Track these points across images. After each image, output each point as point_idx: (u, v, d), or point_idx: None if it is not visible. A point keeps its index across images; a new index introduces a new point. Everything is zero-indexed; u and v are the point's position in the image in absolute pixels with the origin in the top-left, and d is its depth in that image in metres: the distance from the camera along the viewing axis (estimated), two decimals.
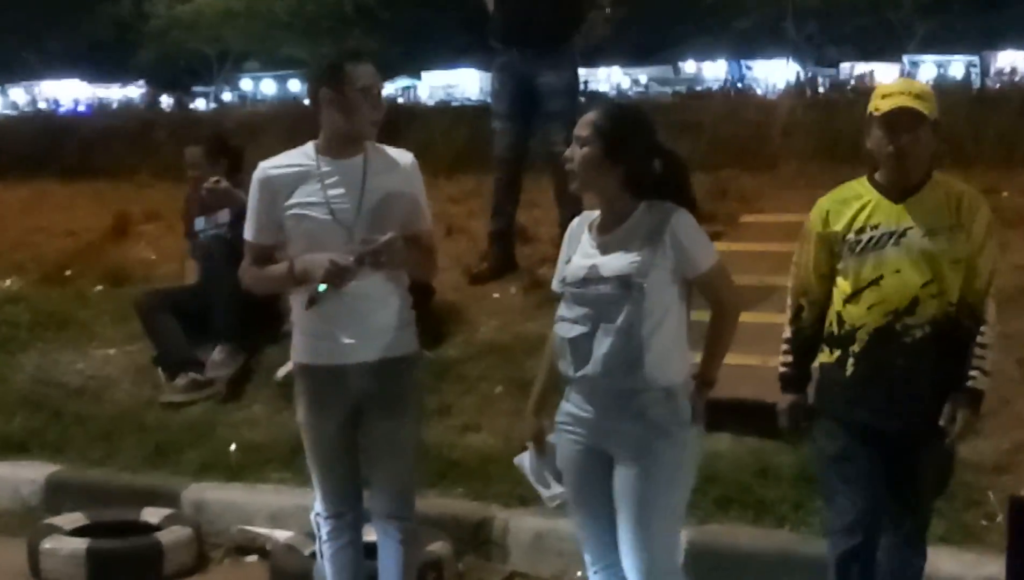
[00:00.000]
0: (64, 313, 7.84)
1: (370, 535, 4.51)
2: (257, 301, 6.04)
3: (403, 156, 4.39)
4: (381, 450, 4.35)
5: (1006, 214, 7.15)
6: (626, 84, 29.59)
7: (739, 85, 17.61)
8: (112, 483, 6.28)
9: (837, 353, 4.14)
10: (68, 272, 8.46)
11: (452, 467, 5.94)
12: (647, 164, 3.90)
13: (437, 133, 10.64)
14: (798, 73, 18.74)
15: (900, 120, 3.99)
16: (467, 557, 5.54)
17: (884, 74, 23.96)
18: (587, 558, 4.13)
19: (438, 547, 5.30)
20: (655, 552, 3.90)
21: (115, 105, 22.82)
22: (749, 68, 33.45)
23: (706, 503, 5.35)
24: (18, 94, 38.11)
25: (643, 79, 31.88)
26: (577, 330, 3.90)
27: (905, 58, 29.23)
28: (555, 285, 4.07)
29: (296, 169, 4.26)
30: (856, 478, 4.11)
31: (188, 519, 5.89)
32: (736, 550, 5.19)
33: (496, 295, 7.41)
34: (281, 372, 6.47)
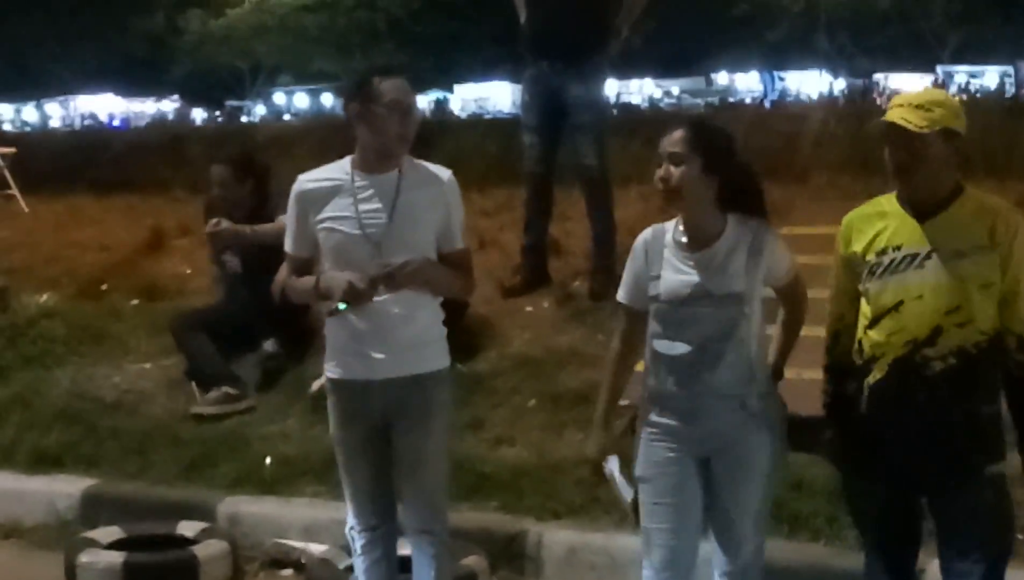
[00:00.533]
0: (99, 327, 7.88)
1: (404, 549, 4.51)
2: (290, 314, 6.08)
3: (440, 172, 4.38)
4: (412, 465, 4.36)
5: None
6: (658, 95, 29.60)
7: (771, 96, 17.60)
8: (148, 497, 6.31)
9: (854, 386, 3.91)
10: (104, 286, 8.51)
11: (485, 481, 5.93)
12: (738, 178, 3.95)
13: (469, 146, 10.67)
14: (830, 84, 18.70)
15: (891, 134, 3.77)
16: (501, 571, 5.53)
17: (916, 84, 23.88)
18: (656, 565, 4.06)
19: (472, 561, 5.29)
20: (753, 552, 4.06)
21: (149, 119, 22.99)
22: (782, 79, 33.44)
23: None
24: (53, 108, 38.46)
25: (675, 91, 31.84)
26: (681, 348, 3.93)
27: (939, 68, 29.11)
28: (624, 297, 4.10)
29: (330, 183, 4.28)
30: (893, 539, 4.01)
31: (223, 532, 5.90)
32: (771, 564, 5.15)
33: (529, 309, 7.41)
34: (315, 386, 6.49)
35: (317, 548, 5.62)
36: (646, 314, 4.04)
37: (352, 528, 4.46)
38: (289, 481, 6.24)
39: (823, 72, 29.01)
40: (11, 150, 12.15)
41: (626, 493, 4.19)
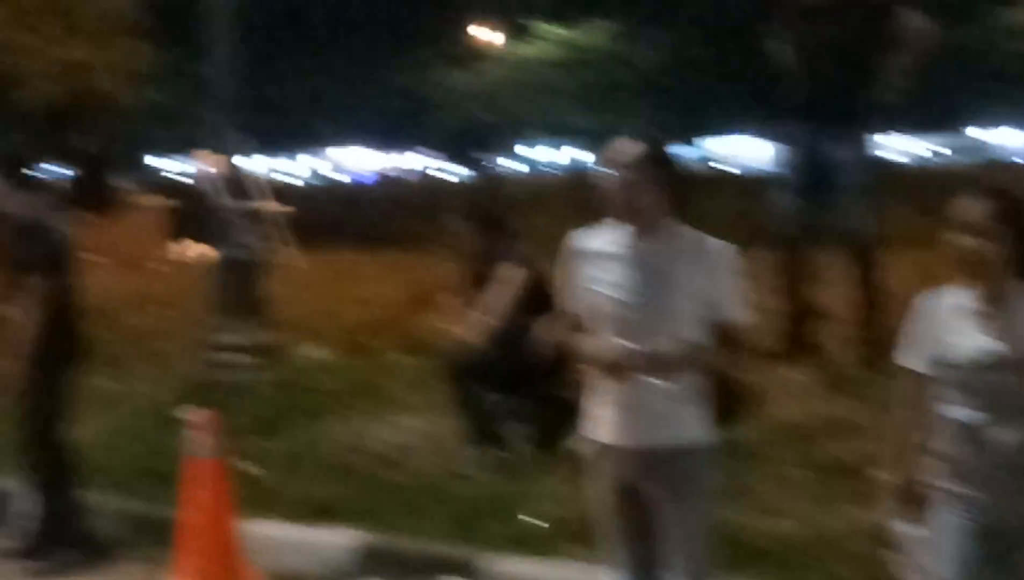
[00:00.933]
0: (370, 381, 8.12)
1: None
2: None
3: (709, 241, 4.34)
4: (673, 534, 4.35)
5: None
6: (920, 151, 28.83)
7: None
8: (415, 551, 6.45)
9: None
10: (372, 341, 8.77)
11: (752, 552, 5.86)
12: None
13: (726, 204, 10.63)
14: None
15: None
16: None
17: None
18: None
19: None
20: None
21: (402, 174, 23.64)
22: None
23: None
24: (305, 160, 39.94)
25: (940, 148, 30.98)
26: (973, 415, 3.84)
27: None
28: (911, 361, 3.98)
29: (604, 246, 4.31)
30: None
31: None
32: None
33: (794, 375, 7.32)
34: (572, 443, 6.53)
35: None
36: (930, 379, 3.93)
37: None
38: (553, 542, 6.29)
39: None
40: (290, 209, 12.62)
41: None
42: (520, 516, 6.49)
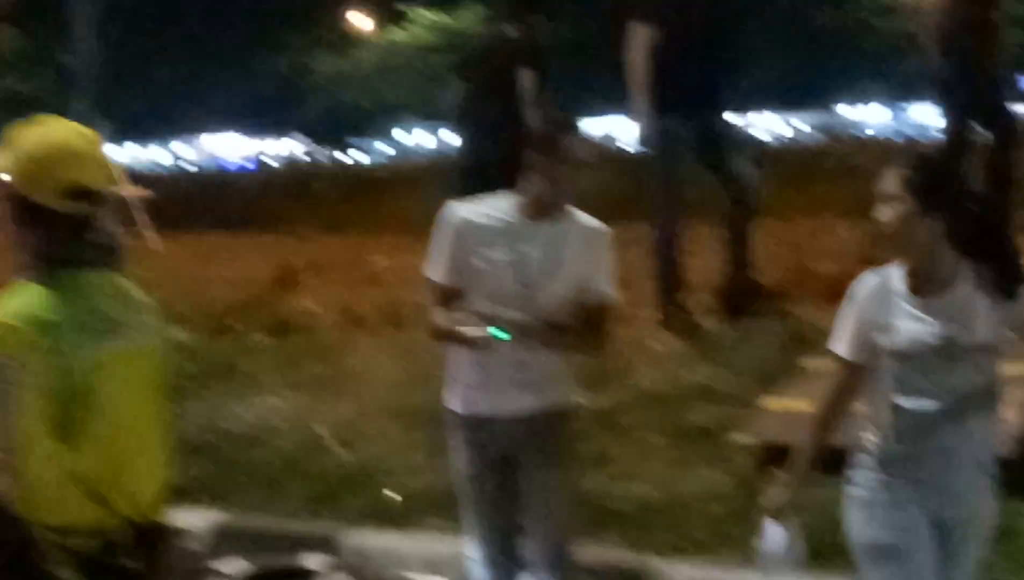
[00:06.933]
0: (229, 362, 8.01)
1: None
2: None
3: (598, 226, 4.39)
4: (537, 500, 4.36)
5: None
6: (782, 130, 29.34)
7: (899, 129, 17.40)
8: (273, 529, 6.38)
9: None
10: (236, 322, 8.65)
11: (609, 515, 5.90)
12: (967, 215, 3.60)
13: (606, 181, 10.68)
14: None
15: None
16: None
17: None
18: None
19: None
20: None
21: (273, 160, 23.42)
22: (904, 110, 33.05)
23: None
24: (177, 147, 39.39)
25: (799, 124, 31.55)
26: (927, 404, 3.61)
27: None
28: (842, 349, 3.76)
29: (493, 222, 4.28)
30: None
31: (347, 566, 5.94)
32: None
33: (656, 345, 7.37)
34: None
35: None
36: (863, 369, 3.74)
37: (475, 561, 4.47)
38: (414, 515, 6.26)
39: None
40: (147, 193, 12.40)
41: (783, 558, 3.92)
42: (384, 492, 6.46)
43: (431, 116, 36.49)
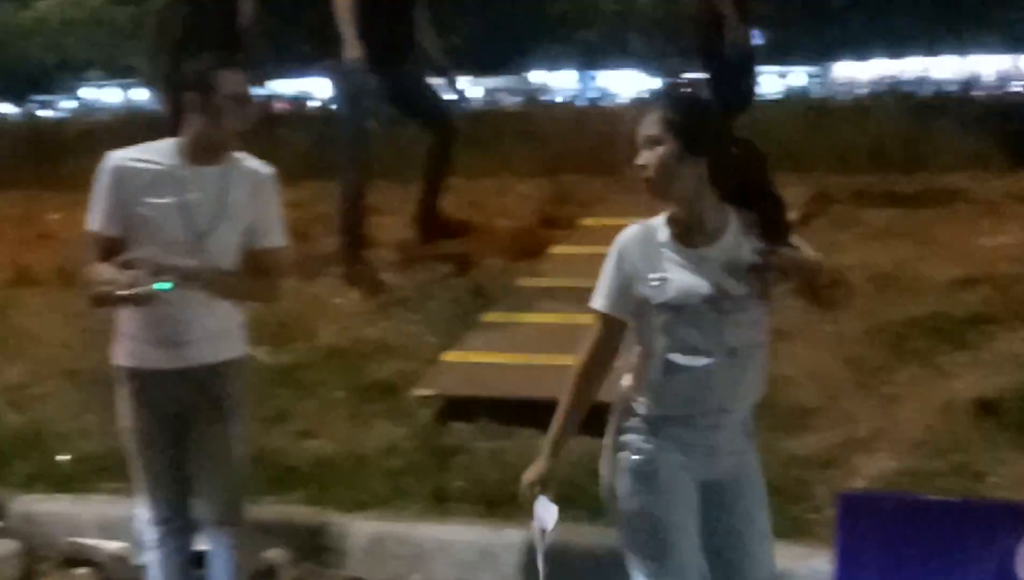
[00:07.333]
0: None
1: (203, 544, 4.42)
2: None
3: (264, 169, 4.31)
4: (209, 456, 4.28)
5: (840, 218, 7.36)
6: (477, 94, 29.70)
7: (587, 95, 17.93)
8: None
9: None
10: None
11: (289, 473, 5.86)
12: (730, 157, 3.46)
13: (282, 139, 10.57)
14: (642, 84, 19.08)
15: None
16: (304, 563, 5.46)
17: None
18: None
19: (273, 554, 5.23)
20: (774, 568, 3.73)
21: None
22: (594, 78, 34.02)
23: None
24: None
25: (493, 88, 32.05)
26: (703, 360, 3.45)
27: None
28: (603, 305, 3.55)
29: (154, 166, 4.14)
30: None
31: (15, 532, 5.72)
32: (572, 549, 5.20)
33: (338, 300, 7.35)
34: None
35: (113, 546, 5.48)
36: (624, 325, 3.57)
37: (144, 522, 4.36)
38: (86, 478, 6.07)
39: (636, 72, 29.52)
40: None
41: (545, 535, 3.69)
42: (51, 454, 6.24)
43: (118, 72, 35.40)
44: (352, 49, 7.37)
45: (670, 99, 3.66)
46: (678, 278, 3.44)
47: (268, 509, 5.48)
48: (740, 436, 3.62)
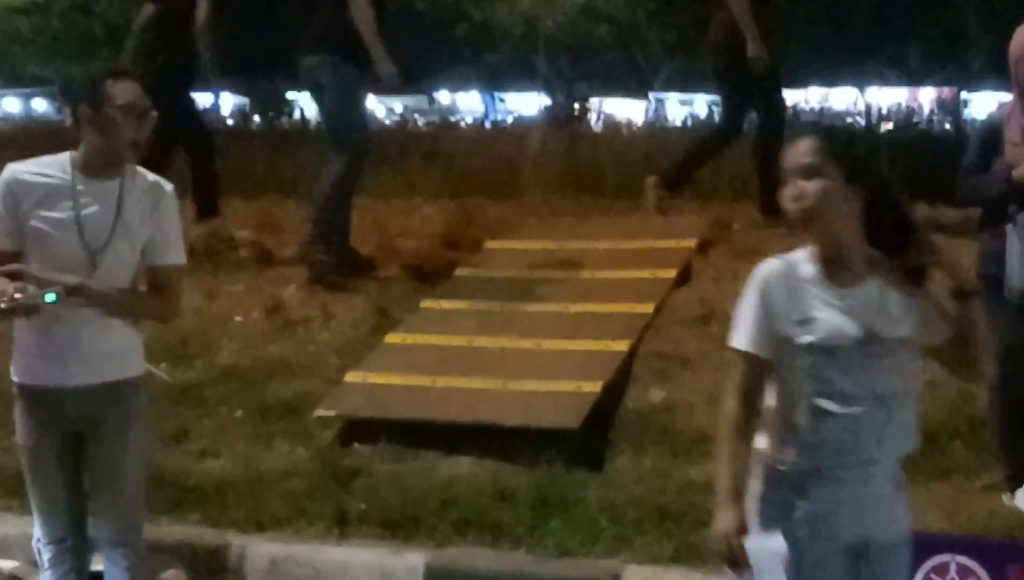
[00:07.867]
0: None
1: (99, 565, 4.36)
2: None
3: (163, 184, 4.25)
4: (105, 475, 4.22)
5: (736, 245, 7.46)
6: (381, 113, 29.61)
7: (492, 117, 18.03)
8: None
9: None
10: None
11: (188, 493, 5.80)
12: (887, 193, 3.27)
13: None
14: (547, 107, 19.20)
15: None
16: None
17: (630, 110, 24.82)
18: None
19: (171, 575, 5.17)
20: None
21: None
22: (502, 100, 34.09)
23: (444, 526, 5.40)
24: None
25: (399, 108, 31.97)
26: (857, 407, 3.23)
27: (651, 95, 30.20)
28: (747, 345, 3.33)
29: (49, 180, 4.08)
30: None
31: None
32: (474, 573, 5.23)
33: (238, 318, 7.30)
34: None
35: (6, 564, 5.38)
36: (770, 365, 3.33)
37: (39, 541, 4.28)
38: None
39: (541, 94, 29.68)
40: None
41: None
42: None
43: (18, 82, 34.77)
44: (386, 65, 7.46)
45: (820, 129, 3.54)
46: (826, 318, 3.25)
47: (166, 530, 5.45)
48: (891, 498, 3.38)
